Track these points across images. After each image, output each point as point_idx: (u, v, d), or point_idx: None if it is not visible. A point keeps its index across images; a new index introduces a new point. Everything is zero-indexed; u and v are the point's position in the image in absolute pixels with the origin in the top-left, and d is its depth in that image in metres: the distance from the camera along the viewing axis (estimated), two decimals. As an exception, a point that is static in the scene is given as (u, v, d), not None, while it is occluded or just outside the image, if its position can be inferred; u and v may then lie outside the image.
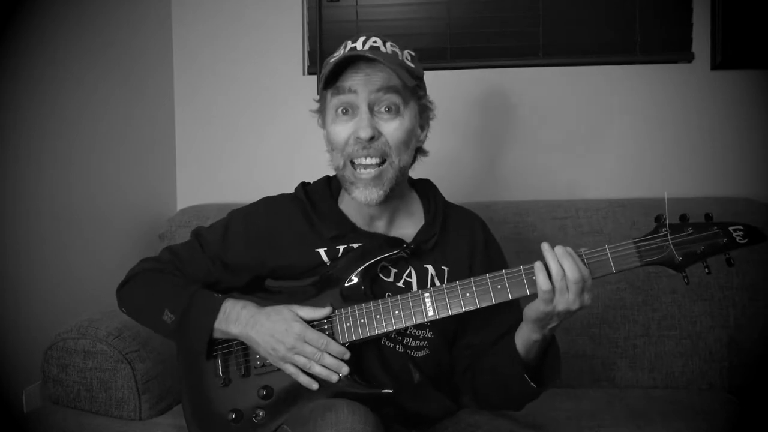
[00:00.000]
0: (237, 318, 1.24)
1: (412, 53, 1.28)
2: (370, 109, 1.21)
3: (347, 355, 1.21)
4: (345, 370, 1.20)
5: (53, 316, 1.67)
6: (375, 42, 1.23)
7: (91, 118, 1.86)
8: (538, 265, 1.10)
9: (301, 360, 1.20)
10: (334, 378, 1.20)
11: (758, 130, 2.01)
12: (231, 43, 2.21)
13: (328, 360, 1.20)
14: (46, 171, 1.70)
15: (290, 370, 1.22)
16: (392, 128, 1.22)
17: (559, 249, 1.10)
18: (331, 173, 1.38)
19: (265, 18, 2.19)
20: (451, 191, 1.42)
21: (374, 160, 1.21)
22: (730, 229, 1.10)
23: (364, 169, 1.22)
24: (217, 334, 1.26)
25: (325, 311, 1.23)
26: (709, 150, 2.03)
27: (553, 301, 1.09)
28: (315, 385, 1.21)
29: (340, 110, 1.23)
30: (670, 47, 2.06)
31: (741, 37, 1.99)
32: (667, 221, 1.12)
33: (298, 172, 1.50)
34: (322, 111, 1.30)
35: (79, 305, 1.74)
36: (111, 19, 1.94)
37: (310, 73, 2.19)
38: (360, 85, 1.20)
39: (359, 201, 1.23)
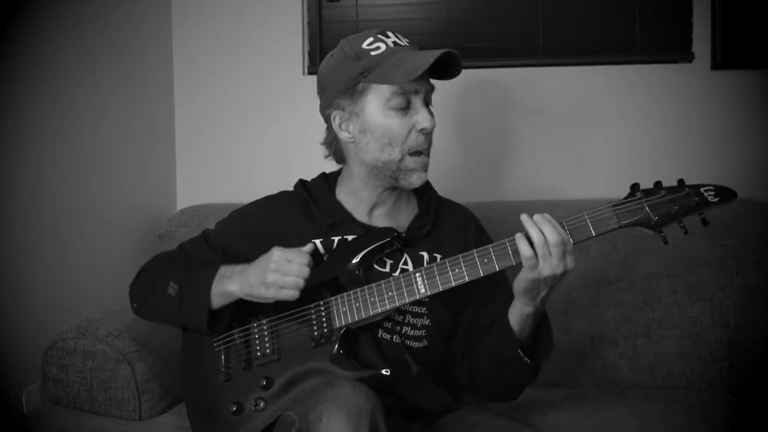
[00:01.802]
0: (231, 274, 1.26)
1: None
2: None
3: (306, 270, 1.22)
4: (305, 271, 1.21)
5: (53, 316, 1.67)
6: (404, 38, 1.30)
7: (91, 118, 1.86)
8: (518, 236, 1.16)
9: (290, 281, 1.20)
10: (301, 284, 1.20)
11: (758, 130, 2.01)
12: (231, 43, 2.21)
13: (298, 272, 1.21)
14: (46, 171, 1.70)
15: (284, 294, 1.21)
16: (433, 118, 1.30)
17: (537, 216, 1.17)
18: (328, 170, 1.43)
19: (265, 18, 2.19)
20: (450, 191, 1.43)
21: (426, 150, 1.31)
22: (702, 189, 1.17)
23: (420, 157, 1.30)
24: (216, 299, 1.26)
25: (307, 247, 1.25)
26: (709, 150, 2.03)
27: (538, 268, 1.13)
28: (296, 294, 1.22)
29: (397, 104, 1.26)
30: (670, 47, 2.06)
31: (741, 37, 1.98)
32: (641, 186, 1.19)
33: (298, 172, 1.51)
34: (352, 103, 1.29)
35: (79, 305, 1.74)
36: (111, 19, 1.94)
37: (310, 73, 2.19)
38: (423, 83, 1.27)
39: (413, 186, 1.30)
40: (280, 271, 1.21)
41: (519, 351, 1.21)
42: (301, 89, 2.16)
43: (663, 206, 1.17)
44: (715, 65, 2.01)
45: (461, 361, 1.37)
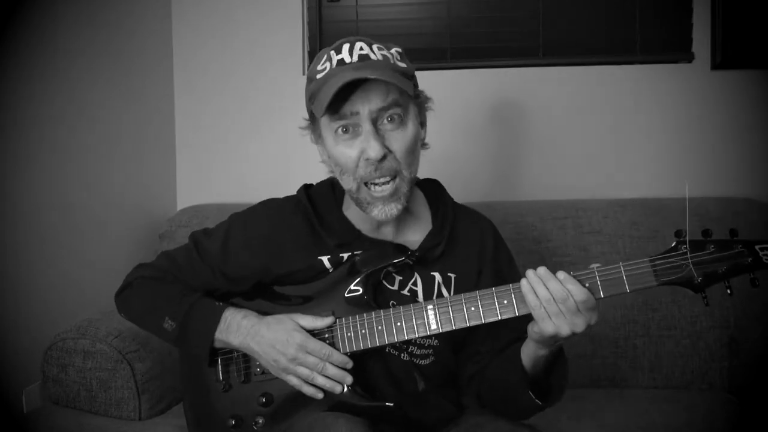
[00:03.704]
0: (237, 328, 1.22)
1: (400, 51, 1.22)
2: (373, 123, 1.15)
3: (350, 365, 1.19)
4: (349, 380, 1.18)
5: (53, 316, 1.67)
6: (362, 49, 1.16)
7: (90, 118, 1.86)
8: (524, 282, 1.06)
9: (303, 371, 1.18)
10: (338, 389, 1.18)
11: (758, 130, 2.01)
12: (231, 43, 2.21)
13: (331, 370, 1.18)
14: (46, 171, 1.70)
15: (293, 381, 1.20)
16: (398, 139, 1.16)
17: (542, 270, 1.06)
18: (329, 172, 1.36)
19: (264, 18, 2.19)
20: (450, 191, 1.42)
21: (387, 179, 1.17)
22: (757, 248, 1.01)
23: (379, 187, 1.17)
24: (218, 344, 1.25)
25: (327, 321, 1.20)
26: (709, 150, 2.03)
27: (552, 321, 1.04)
28: (320, 395, 1.19)
29: (340, 130, 1.16)
30: (670, 47, 2.06)
31: (741, 37, 1.98)
32: (688, 237, 1.03)
33: (297, 172, 1.50)
34: (314, 130, 1.24)
35: (79, 305, 1.74)
36: (111, 19, 1.93)
37: (309, 73, 2.19)
38: (360, 104, 1.13)
39: (379, 219, 1.19)
40: (295, 360, 1.18)
41: (530, 393, 1.14)
42: (301, 89, 2.13)
43: (709, 265, 1.03)
44: (715, 65, 2.01)
45: (468, 385, 1.32)
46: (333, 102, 1.12)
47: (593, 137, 2.07)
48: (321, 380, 1.18)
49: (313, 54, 2.18)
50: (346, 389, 1.18)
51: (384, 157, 1.15)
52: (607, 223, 1.84)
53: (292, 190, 1.38)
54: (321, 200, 1.31)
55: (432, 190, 1.36)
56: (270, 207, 1.33)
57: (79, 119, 1.81)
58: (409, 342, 1.25)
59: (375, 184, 1.17)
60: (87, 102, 1.84)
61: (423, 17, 2.16)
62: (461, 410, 1.36)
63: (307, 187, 1.35)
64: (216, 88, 2.22)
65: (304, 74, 2.19)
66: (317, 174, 1.42)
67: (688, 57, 2.04)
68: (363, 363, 1.22)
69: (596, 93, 2.07)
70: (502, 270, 1.30)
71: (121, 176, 1.99)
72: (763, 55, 1.98)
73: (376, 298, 1.24)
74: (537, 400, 1.14)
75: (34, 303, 1.65)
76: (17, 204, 1.61)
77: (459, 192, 1.49)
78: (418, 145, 1.22)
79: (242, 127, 2.22)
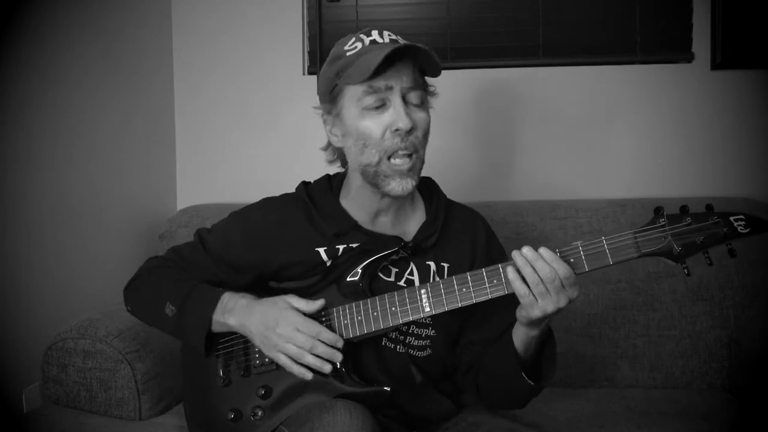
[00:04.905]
0: (233, 308, 1.23)
1: None
2: (403, 100, 1.21)
3: (340, 343, 1.20)
4: (338, 357, 1.19)
5: (53, 316, 1.67)
6: (391, 35, 1.24)
7: (91, 118, 1.86)
8: (510, 270, 1.10)
9: (292, 349, 1.19)
10: (327, 368, 1.18)
11: (758, 130, 2.01)
12: (231, 44, 2.21)
13: (321, 349, 1.18)
14: (47, 171, 1.70)
15: (282, 359, 1.20)
16: (422, 119, 1.23)
17: (527, 252, 1.09)
18: (331, 172, 1.39)
19: (265, 18, 2.19)
20: (450, 191, 1.42)
21: (409, 152, 1.22)
22: (731, 218, 1.07)
23: (401, 159, 1.21)
24: (215, 327, 1.25)
25: (318, 304, 1.22)
26: (709, 150, 2.03)
27: (539, 304, 1.09)
28: (309, 375, 1.20)
29: (372, 106, 1.21)
30: (670, 47, 2.06)
31: (741, 37, 1.99)
32: (665, 212, 1.10)
33: (298, 172, 1.51)
34: (332, 109, 1.27)
35: (79, 305, 1.74)
36: (111, 20, 1.94)
37: (310, 73, 2.19)
38: (394, 81, 1.20)
39: (395, 193, 1.22)
40: (284, 337, 1.18)
41: (523, 374, 1.19)
42: (301, 89, 2.17)
43: (688, 236, 1.08)
44: (715, 65, 2.01)
45: (466, 375, 1.35)
46: (373, 71, 1.16)
47: (593, 137, 2.07)
48: (310, 359, 1.19)
49: (313, 54, 2.18)
50: (339, 368, 1.20)
51: (411, 130, 1.20)
52: (607, 223, 1.84)
53: (292, 190, 1.41)
54: (319, 194, 1.35)
55: (427, 185, 1.40)
56: (268, 203, 1.38)
57: (79, 120, 1.81)
58: (406, 333, 1.28)
59: (398, 157, 1.21)
60: (87, 103, 1.84)
61: (423, 17, 2.16)
62: (459, 407, 1.38)
63: (305, 184, 1.39)
64: (216, 88, 2.22)
65: (304, 74, 2.19)
66: (317, 173, 1.43)
67: (688, 57, 2.04)
68: (359, 356, 1.25)
69: (596, 93, 2.07)
70: (494, 261, 1.31)
71: (122, 176, 1.99)
72: (763, 55, 1.98)
73: (373, 290, 1.26)
74: (530, 381, 1.19)
75: (34, 303, 1.65)
76: (17, 204, 1.61)
77: (459, 191, 1.50)
78: (429, 131, 1.28)
79: (242, 127, 2.22)
